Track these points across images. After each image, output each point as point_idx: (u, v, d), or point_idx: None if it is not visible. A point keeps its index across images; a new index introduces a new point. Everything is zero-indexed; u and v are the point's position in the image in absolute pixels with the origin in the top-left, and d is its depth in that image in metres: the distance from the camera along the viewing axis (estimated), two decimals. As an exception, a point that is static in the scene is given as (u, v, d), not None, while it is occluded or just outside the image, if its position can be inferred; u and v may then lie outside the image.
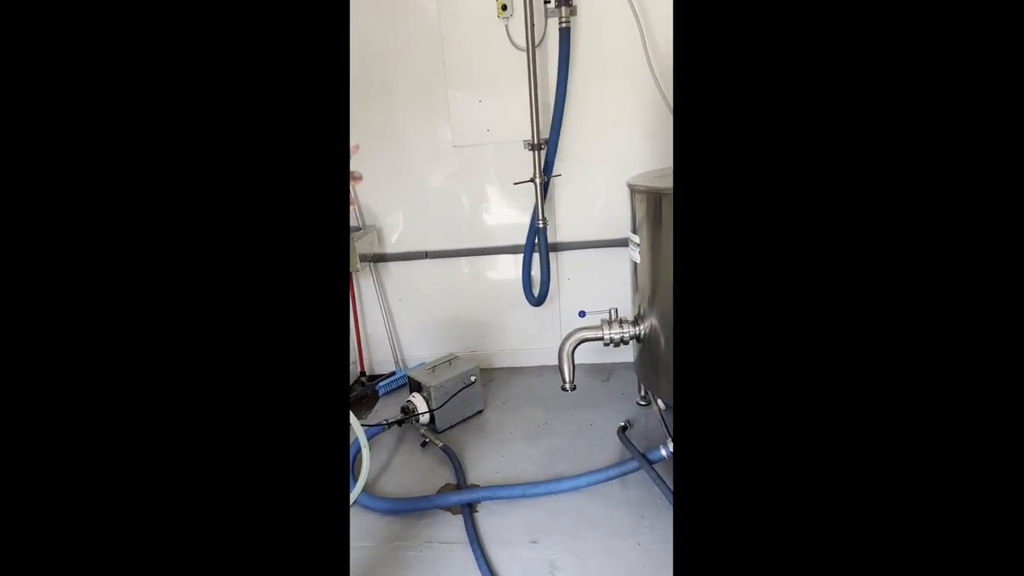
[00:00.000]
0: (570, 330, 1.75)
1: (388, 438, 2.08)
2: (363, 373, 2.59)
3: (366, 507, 1.69)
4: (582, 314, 2.30)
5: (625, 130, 2.16)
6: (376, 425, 2.07)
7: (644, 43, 2.02)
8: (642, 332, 1.67)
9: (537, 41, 2.05)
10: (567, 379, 1.74)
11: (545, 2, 2.02)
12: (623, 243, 1.88)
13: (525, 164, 2.19)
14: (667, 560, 1.41)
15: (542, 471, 1.80)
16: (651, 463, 1.66)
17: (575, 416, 2.09)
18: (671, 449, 1.67)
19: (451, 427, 2.10)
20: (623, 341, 1.70)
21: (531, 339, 2.51)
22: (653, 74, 2.04)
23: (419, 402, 2.05)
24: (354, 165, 0.85)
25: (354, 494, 1.70)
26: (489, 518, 1.62)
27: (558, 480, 1.69)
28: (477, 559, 1.44)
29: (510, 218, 2.34)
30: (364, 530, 1.60)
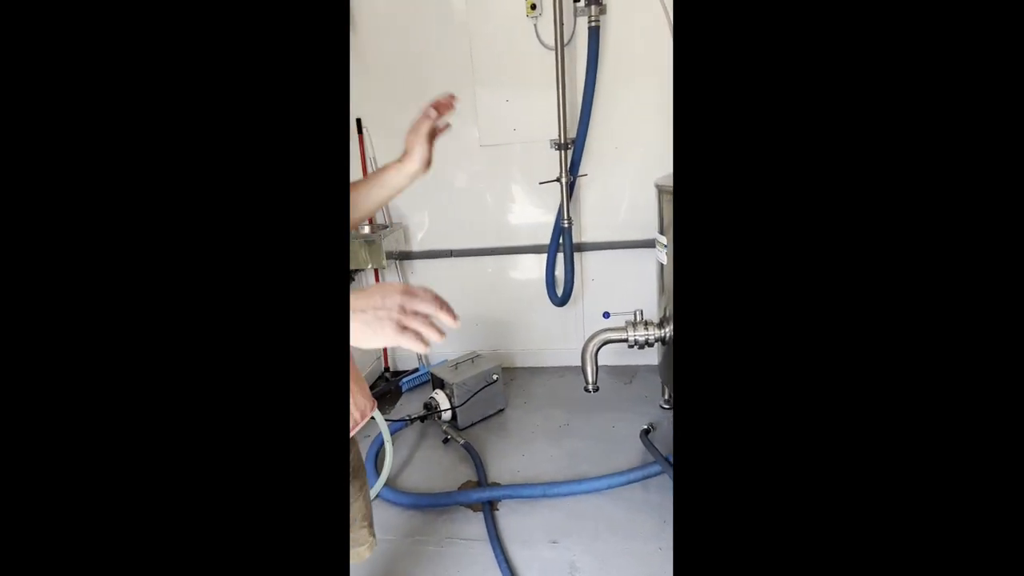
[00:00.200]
0: (594, 331, 1.74)
1: (410, 433, 2.10)
2: (387, 369, 2.63)
3: (388, 501, 1.72)
4: (607, 315, 2.28)
5: (653, 130, 2.14)
6: (399, 420, 2.10)
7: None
8: (667, 335, 1.65)
9: (566, 40, 2.04)
10: (590, 380, 1.73)
11: (575, 1, 2.01)
12: (649, 244, 1.86)
13: (550, 163, 2.18)
14: (689, 566, 1.39)
15: (563, 472, 1.80)
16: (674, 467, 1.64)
17: (597, 418, 2.08)
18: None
19: (472, 425, 2.11)
20: (648, 343, 1.69)
21: (554, 339, 2.50)
22: (683, 73, 2.01)
23: (441, 399, 2.07)
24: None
25: (376, 488, 1.72)
26: (509, 516, 1.62)
27: (579, 481, 1.68)
28: (497, 557, 1.45)
29: (534, 217, 2.34)
30: (385, 524, 1.62)
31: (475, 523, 1.60)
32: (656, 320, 1.70)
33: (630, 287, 2.28)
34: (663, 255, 1.61)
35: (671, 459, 1.66)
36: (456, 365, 2.17)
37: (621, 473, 1.68)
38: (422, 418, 2.09)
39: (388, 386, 2.47)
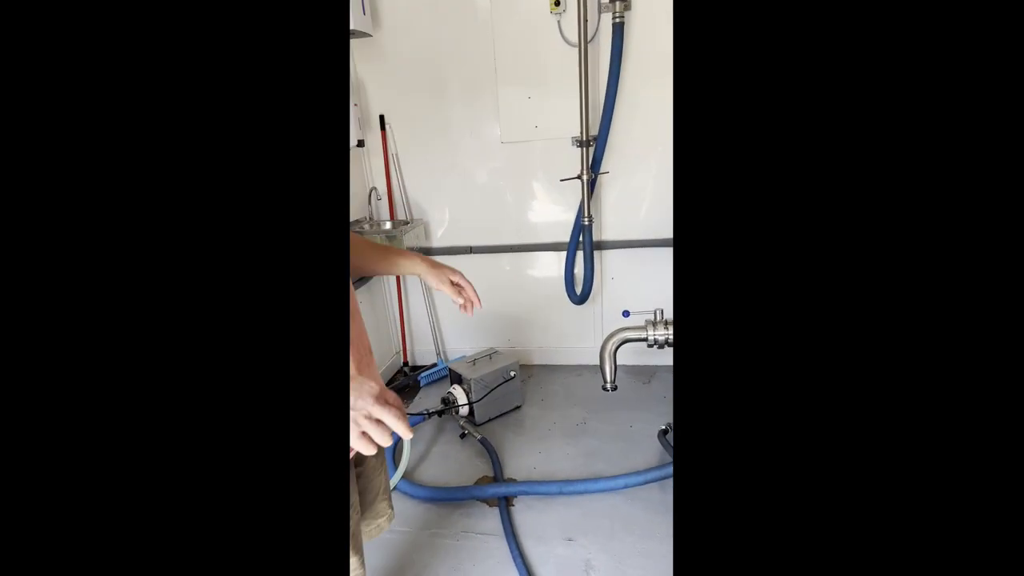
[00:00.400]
0: (612, 330, 1.73)
1: (428, 428, 2.12)
2: (406, 363, 2.66)
3: (405, 493, 1.74)
4: (626, 314, 2.27)
5: (677, 128, 2.11)
6: (417, 414, 2.12)
7: (700, 38, 1.97)
8: (687, 335, 1.63)
9: (590, 36, 2.03)
10: (608, 379, 1.72)
11: (599, -3, 2.00)
12: (670, 243, 1.84)
13: (571, 161, 2.18)
14: (706, 568, 1.38)
15: (579, 470, 1.79)
16: (692, 469, 1.62)
17: (615, 417, 2.07)
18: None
19: (489, 420, 2.12)
20: (667, 343, 1.67)
21: (572, 337, 2.50)
22: (708, 70, 1.98)
23: (459, 394, 2.08)
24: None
25: (394, 480, 1.75)
26: (525, 513, 1.62)
27: (595, 480, 1.68)
28: (512, 552, 1.46)
29: (554, 215, 2.34)
30: (402, 516, 1.64)
31: (491, 518, 1.61)
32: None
33: (650, 286, 2.26)
34: (685, 254, 1.60)
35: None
36: (474, 361, 2.18)
37: (638, 473, 1.67)
38: (440, 413, 2.11)
39: (407, 380, 2.49)
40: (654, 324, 1.68)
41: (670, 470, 1.66)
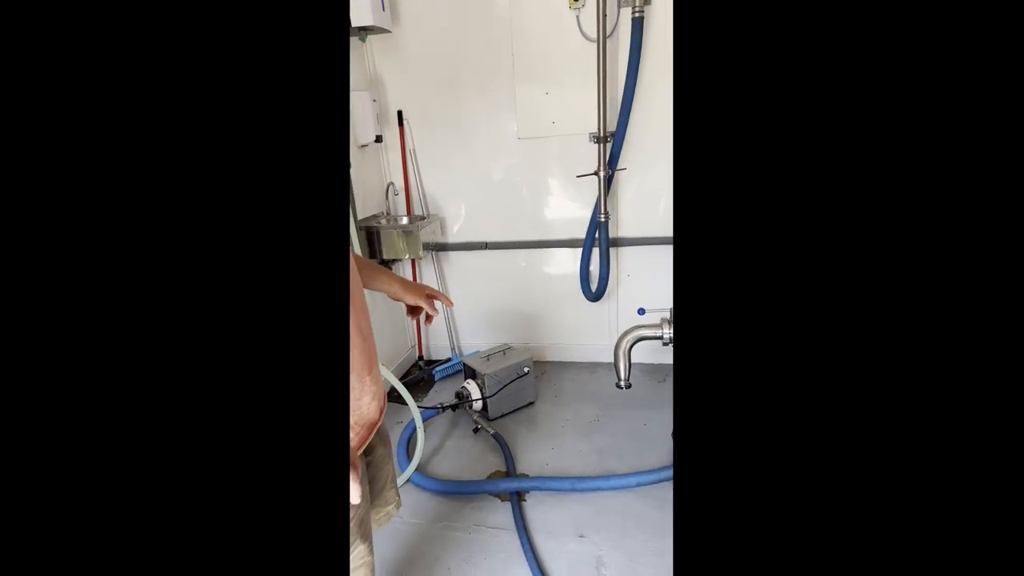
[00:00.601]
0: (628, 327, 1.72)
1: (442, 421, 2.14)
2: (421, 357, 2.68)
3: (418, 486, 1.75)
4: (641, 311, 2.25)
5: (696, 124, 2.09)
6: (432, 408, 2.14)
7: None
8: (703, 333, 1.62)
9: (608, 31, 2.01)
10: (622, 377, 1.72)
11: (618, -8, 1.98)
12: (688, 241, 1.82)
13: (588, 157, 2.17)
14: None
15: (592, 467, 1.79)
16: (706, 468, 1.61)
17: (628, 415, 2.06)
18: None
19: (502, 416, 2.13)
20: (683, 341, 1.66)
21: (586, 334, 2.49)
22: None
23: (473, 389, 2.09)
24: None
25: (407, 473, 1.77)
26: (537, 508, 1.63)
27: (608, 477, 1.67)
28: (523, 546, 1.46)
29: (570, 212, 2.33)
30: (415, 508, 1.66)
31: (502, 512, 1.62)
32: (692, 318, 1.66)
33: (666, 284, 2.24)
34: (702, 252, 1.58)
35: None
36: (488, 356, 2.18)
37: (652, 471, 1.66)
38: (453, 407, 2.12)
39: (422, 374, 2.51)
40: (669, 322, 1.66)
41: (684, 469, 1.65)
